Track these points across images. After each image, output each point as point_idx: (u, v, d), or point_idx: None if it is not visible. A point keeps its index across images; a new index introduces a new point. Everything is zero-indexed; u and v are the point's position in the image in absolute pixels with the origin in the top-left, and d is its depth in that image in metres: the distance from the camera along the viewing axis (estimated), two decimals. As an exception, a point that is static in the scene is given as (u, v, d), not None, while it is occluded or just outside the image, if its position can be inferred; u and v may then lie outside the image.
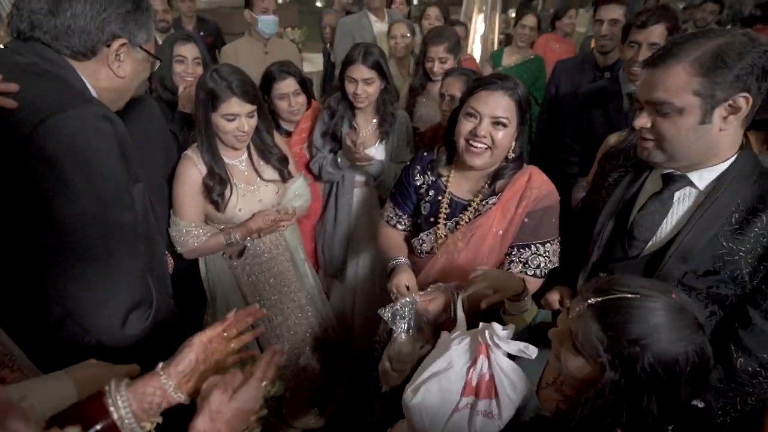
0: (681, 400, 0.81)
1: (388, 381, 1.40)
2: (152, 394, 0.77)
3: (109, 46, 1.00)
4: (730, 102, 0.99)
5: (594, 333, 0.82)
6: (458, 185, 1.55)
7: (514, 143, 1.43)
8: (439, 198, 1.55)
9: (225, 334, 0.92)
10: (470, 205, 1.51)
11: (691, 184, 1.10)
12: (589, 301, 0.86)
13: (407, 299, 1.36)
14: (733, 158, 1.07)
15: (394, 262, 1.59)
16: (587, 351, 0.84)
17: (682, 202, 1.11)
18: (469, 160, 1.42)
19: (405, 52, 3.06)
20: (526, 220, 1.43)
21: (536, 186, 1.42)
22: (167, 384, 0.79)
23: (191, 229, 1.69)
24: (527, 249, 1.44)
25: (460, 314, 1.26)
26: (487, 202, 1.48)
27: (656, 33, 1.94)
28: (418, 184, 1.62)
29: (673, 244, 1.09)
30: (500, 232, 1.45)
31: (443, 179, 1.57)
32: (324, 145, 2.21)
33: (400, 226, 1.72)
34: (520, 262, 1.44)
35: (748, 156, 1.08)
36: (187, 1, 3.83)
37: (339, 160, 2.14)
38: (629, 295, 0.83)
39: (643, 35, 1.97)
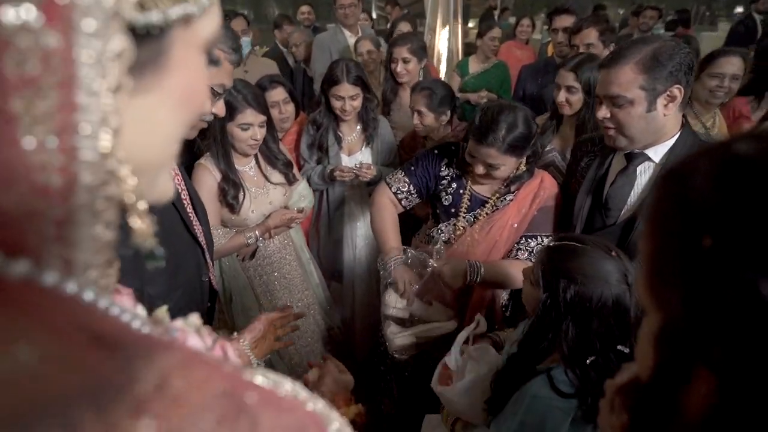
0: (591, 332, 0.99)
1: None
2: (233, 355, 0.94)
3: None
4: (668, 93, 1.26)
5: (540, 264, 1.08)
6: (478, 182, 1.69)
7: (522, 161, 1.59)
8: (461, 192, 1.71)
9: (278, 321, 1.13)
10: (488, 202, 1.68)
11: (649, 159, 1.36)
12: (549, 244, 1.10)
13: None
14: (677, 135, 1.34)
15: (393, 261, 1.66)
16: (533, 278, 1.09)
17: (643, 174, 1.37)
18: (477, 180, 1.64)
19: (374, 66, 3.19)
20: (536, 213, 1.62)
21: (548, 187, 1.64)
22: (245, 346, 0.98)
23: (212, 231, 1.78)
24: (534, 239, 1.63)
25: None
26: (504, 199, 1.66)
27: (590, 36, 2.32)
28: (443, 174, 1.74)
29: (641, 210, 1.33)
30: (515, 225, 1.63)
31: (466, 175, 1.71)
32: (311, 156, 2.35)
33: (404, 203, 1.78)
34: (527, 250, 1.62)
35: (688, 132, 1.36)
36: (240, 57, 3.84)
37: (327, 173, 2.28)
38: (577, 244, 1.05)
39: (579, 38, 2.35)
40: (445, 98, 2.17)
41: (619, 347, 0.99)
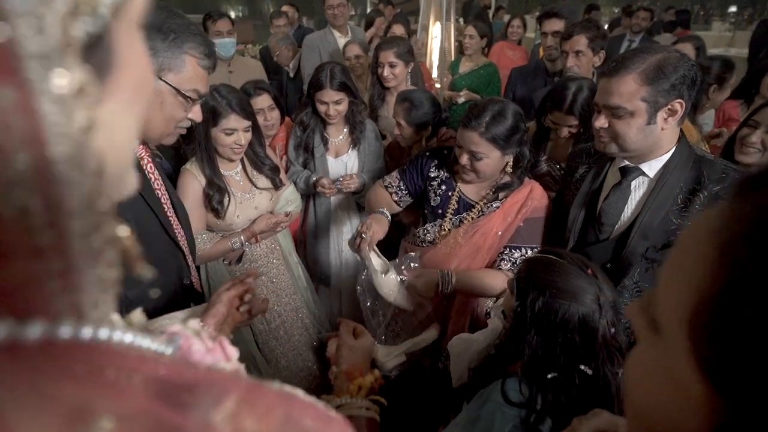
0: (556, 346, 0.98)
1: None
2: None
3: None
4: (669, 106, 1.20)
5: (517, 273, 1.09)
6: (467, 186, 1.69)
7: (509, 162, 1.57)
8: (450, 194, 1.70)
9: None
10: (475, 207, 1.66)
11: (643, 173, 1.31)
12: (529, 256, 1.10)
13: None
14: (673, 149, 1.29)
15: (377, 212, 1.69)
16: (510, 287, 1.10)
17: (637, 189, 1.32)
18: (463, 177, 1.63)
19: (362, 70, 3.15)
20: (521, 224, 1.58)
21: (537, 198, 1.60)
22: (208, 332, 0.93)
23: (197, 236, 1.76)
24: (518, 250, 1.59)
25: None
26: (491, 205, 1.63)
27: (579, 42, 2.28)
28: (432, 175, 1.74)
29: (634, 225, 1.28)
30: (500, 233, 1.60)
31: (455, 177, 1.71)
32: (297, 157, 2.32)
33: (395, 197, 1.80)
34: (510, 260, 1.59)
35: (684, 146, 1.30)
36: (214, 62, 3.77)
37: (311, 182, 2.24)
38: (553, 258, 1.05)
39: (569, 44, 2.31)
40: (426, 113, 2.10)
41: (582, 367, 0.97)
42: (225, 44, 3.07)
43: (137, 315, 0.50)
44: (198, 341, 0.52)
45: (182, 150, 1.95)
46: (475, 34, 3.62)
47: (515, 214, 1.59)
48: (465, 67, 3.75)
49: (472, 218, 1.66)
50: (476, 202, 1.67)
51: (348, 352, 0.98)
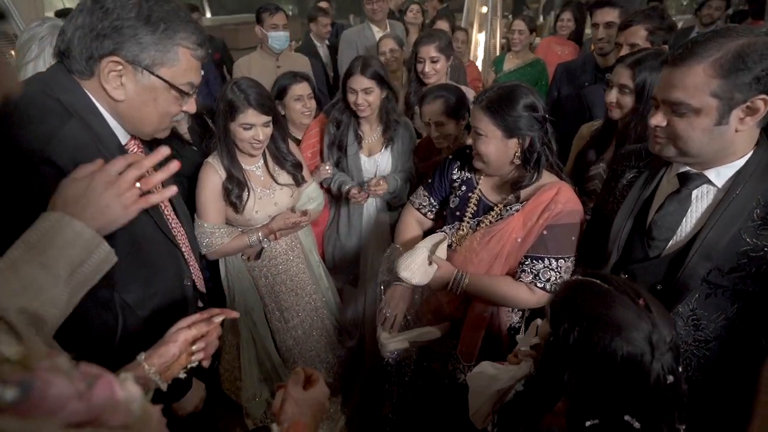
0: (595, 387, 0.82)
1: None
2: (120, 391, 0.80)
3: (100, 62, 0.90)
4: (749, 104, 0.95)
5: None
6: (487, 186, 1.55)
7: (515, 151, 1.40)
8: (470, 195, 1.56)
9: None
10: (494, 209, 1.50)
11: (708, 182, 1.06)
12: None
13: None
14: (749, 154, 1.03)
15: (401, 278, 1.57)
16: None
17: (700, 200, 1.07)
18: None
19: (396, 65, 3.05)
20: (545, 232, 1.39)
21: (562, 201, 1.38)
22: (151, 373, 0.83)
23: (215, 230, 1.77)
24: (540, 261, 1.40)
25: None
26: (510, 209, 1.46)
27: (636, 34, 1.97)
28: (455, 177, 1.63)
29: (695, 243, 1.05)
30: (519, 239, 1.42)
31: (476, 177, 1.58)
32: (329, 156, 2.22)
33: (430, 215, 1.72)
34: (532, 272, 1.41)
35: (765, 151, 1.04)
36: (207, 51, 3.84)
37: (344, 191, 2.16)
38: (596, 281, 0.88)
39: (624, 35, 2.01)
40: (460, 100, 1.99)
41: (626, 417, 0.79)
42: (279, 37, 3.01)
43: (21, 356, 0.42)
44: (65, 383, 0.41)
45: (204, 144, 1.93)
46: (525, 28, 3.39)
47: (536, 218, 1.39)
48: (510, 63, 3.53)
49: (490, 221, 1.49)
50: (495, 204, 1.50)
51: (293, 406, 0.85)
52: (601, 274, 0.92)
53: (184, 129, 1.98)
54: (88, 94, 0.94)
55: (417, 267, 1.42)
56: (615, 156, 1.40)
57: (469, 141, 1.46)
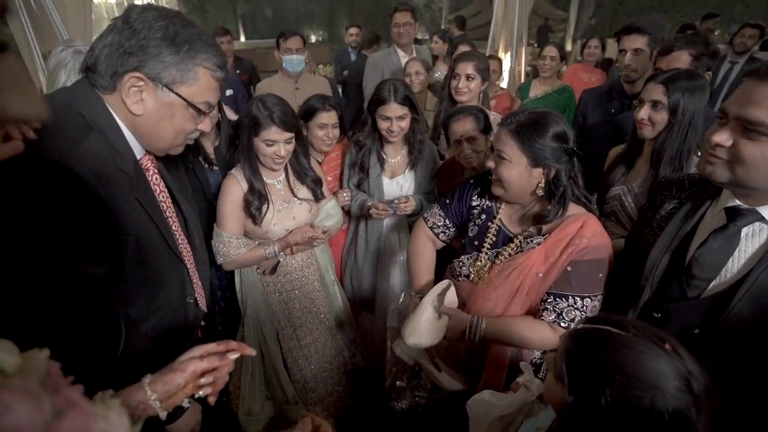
0: None
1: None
2: (135, 407, 0.76)
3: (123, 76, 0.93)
4: None
5: (564, 354, 0.79)
6: (508, 216, 1.46)
7: (538, 181, 1.30)
8: (489, 224, 1.47)
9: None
10: (514, 240, 1.40)
11: (762, 219, 0.95)
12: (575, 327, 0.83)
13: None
14: None
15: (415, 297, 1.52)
16: (557, 371, 0.80)
17: (751, 238, 0.96)
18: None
19: (420, 88, 3.03)
20: (569, 268, 1.27)
21: (587, 236, 1.26)
22: (152, 399, 0.78)
23: (232, 240, 1.76)
24: (564, 300, 1.29)
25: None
26: (531, 241, 1.36)
27: (680, 60, 1.87)
28: (474, 204, 1.55)
29: (742, 286, 0.93)
30: (540, 274, 1.31)
31: (496, 206, 1.49)
32: (351, 177, 2.18)
33: (442, 237, 1.63)
34: (555, 311, 1.30)
35: None
36: (224, 42, 4.03)
37: (365, 208, 2.11)
38: (613, 329, 0.76)
39: (665, 61, 1.91)
40: (486, 117, 1.98)
41: None
42: (292, 61, 3.12)
43: None
44: (27, 410, 0.36)
45: (228, 157, 1.94)
46: (557, 55, 3.33)
47: (559, 253, 1.27)
48: (537, 90, 3.47)
49: (509, 254, 1.39)
50: (515, 235, 1.40)
51: None
52: (612, 318, 0.80)
53: (210, 148, 1.99)
54: (109, 108, 0.95)
55: (424, 328, 1.34)
56: (654, 184, 1.29)
57: (490, 163, 1.37)
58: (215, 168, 1.92)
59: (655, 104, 1.55)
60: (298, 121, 1.84)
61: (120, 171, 0.94)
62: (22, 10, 2.99)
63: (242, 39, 8.37)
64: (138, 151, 1.03)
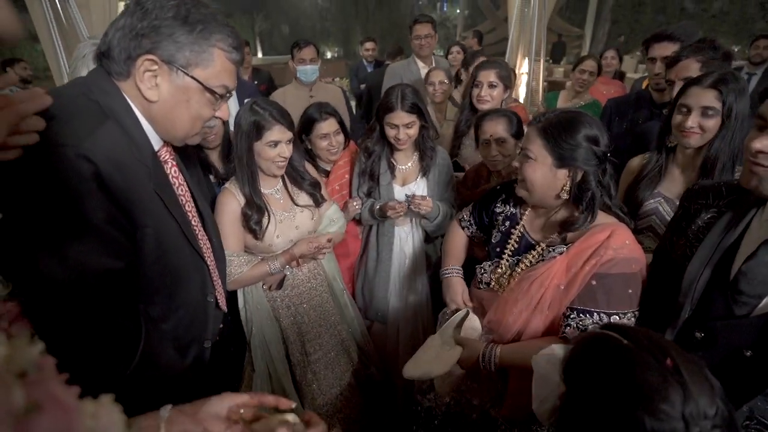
0: None
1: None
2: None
3: (136, 60, 0.89)
4: None
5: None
6: (532, 222, 1.38)
7: (563, 183, 1.22)
8: (512, 230, 1.41)
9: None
10: (536, 248, 1.32)
11: None
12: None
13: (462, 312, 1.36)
14: None
15: (445, 273, 1.59)
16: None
17: (808, 249, 0.86)
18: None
19: (443, 98, 2.99)
20: (593, 282, 1.16)
21: (614, 247, 1.15)
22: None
23: (233, 258, 1.66)
24: (589, 316, 1.17)
25: None
26: (553, 250, 1.27)
27: (689, 69, 1.79)
28: (498, 210, 1.51)
29: None
30: (562, 286, 1.20)
31: (520, 212, 1.43)
32: (361, 185, 2.12)
33: (467, 231, 1.67)
34: (578, 328, 1.17)
35: None
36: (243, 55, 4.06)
37: (376, 209, 2.04)
38: (615, 335, 0.75)
39: (674, 72, 1.83)
40: (520, 122, 1.97)
41: None
42: (306, 70, 3.13)
43: None
44: None
45: (223, 170, 1.88)
46: (595, 70, 3.23)
47: (581, 264, 1.17)
48: (565, 103, 3.39)
49: (530, 262, 1.31)
50: (538, 242, 1.32)
51: None
52: (621, 326, 0.78)
53: (218, 163, 1.96)
54: (125, 96, 0.92)
55: (429, 360, 1.30)
56: (688, 192, 1.19)
57: (516, 163, 1.30)
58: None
59: (706, 110, 1.43)
60: (292, 119, 1.78)
61: (137, 161, 0.90)
62: (48, 9, 3.02)
63: (259, 55, 8.53)
64: (156, 142, 0.98)
